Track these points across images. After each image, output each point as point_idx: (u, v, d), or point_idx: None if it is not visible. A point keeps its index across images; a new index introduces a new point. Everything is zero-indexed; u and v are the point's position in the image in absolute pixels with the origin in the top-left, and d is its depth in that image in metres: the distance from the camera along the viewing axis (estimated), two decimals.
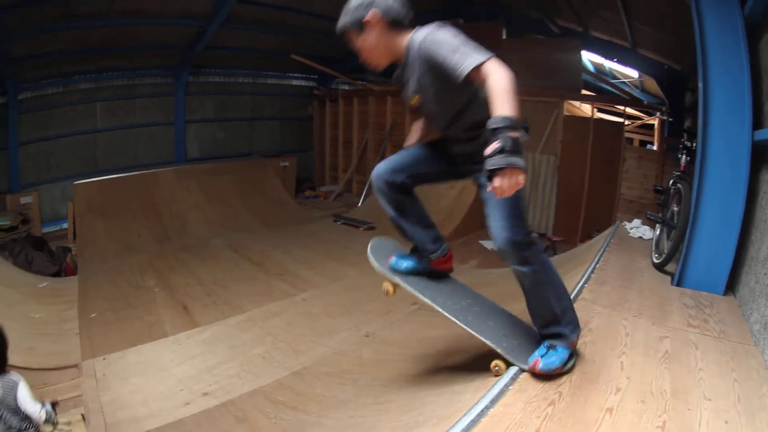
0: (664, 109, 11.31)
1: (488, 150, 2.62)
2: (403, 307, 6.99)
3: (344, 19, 3.28)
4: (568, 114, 11.80)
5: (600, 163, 11.14)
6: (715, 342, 3.80)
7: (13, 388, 3.79)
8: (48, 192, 12.12)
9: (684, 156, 6.55)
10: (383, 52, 3.33)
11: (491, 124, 2.65)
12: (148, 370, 5.59)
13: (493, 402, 2.93)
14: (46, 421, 3.91)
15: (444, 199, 11.28)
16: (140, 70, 13.33)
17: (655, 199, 7.98)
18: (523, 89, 10.02)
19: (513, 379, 3.16)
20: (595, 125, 11.36)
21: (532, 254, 3.15)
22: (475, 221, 11.02)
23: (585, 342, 3.65)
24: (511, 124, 2.65)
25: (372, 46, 3.28)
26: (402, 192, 3.72)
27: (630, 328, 3.97)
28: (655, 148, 11.67)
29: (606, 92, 14.62)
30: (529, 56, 12.01)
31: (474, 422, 2.76)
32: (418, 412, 3.66)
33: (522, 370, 3.26)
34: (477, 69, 2.93)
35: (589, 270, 5.32)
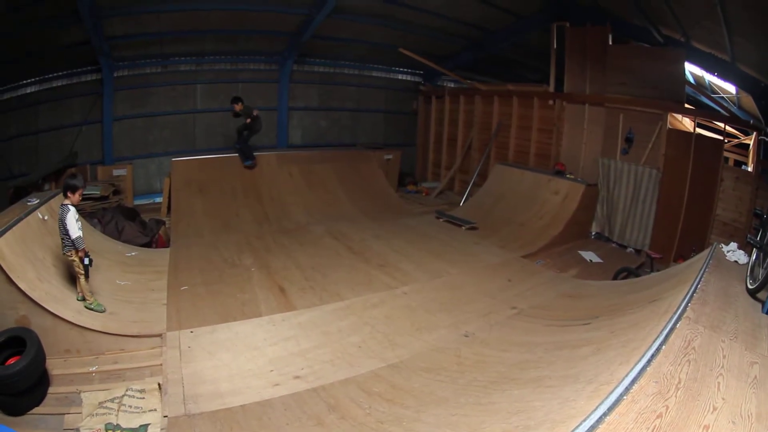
0: (764, 128, 10.59)
1: None
2: (504, 309, 6.78)
3: None
4: (671, 127, 11.21)
5: (698, 181, 10.52)
6: None
7: (64, 212, 5.53)
8: (143, 167, 12.33)
9: None
10: None
11: None
12: (237, 347, 5.48)
13: (610, 410, 3.07)
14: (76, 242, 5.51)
15: (547, 205, 10.98)
16: (244, 55, 13.44)
17: (753, 223, 7.86)
18: (630, 99, 9.55)
19: (627, 389, 3.29)
20: (696, 141, 10.75)
21: None
22: (575, 231, 10.79)
23: (689, 360, 3.77)
24: None
25: None
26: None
27: (726, 350, 4.01)
28: (750, 169, 10.92)
29: (705, 106, 13.98)
30: (633, 64, 11.59)
31: (593, 428, 2.92)
32: (527, 416, 3.70)
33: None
34: None
35: (692, 290, 5.20)
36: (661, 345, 3.89)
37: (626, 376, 3.42)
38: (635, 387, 3.29)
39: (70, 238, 5.47)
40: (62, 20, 9.43)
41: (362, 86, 16.17)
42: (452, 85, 16.86)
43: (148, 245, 8.71)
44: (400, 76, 16.92)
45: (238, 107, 11.36)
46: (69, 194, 5.58)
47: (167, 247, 8.76)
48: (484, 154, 14.27)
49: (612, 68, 11.65)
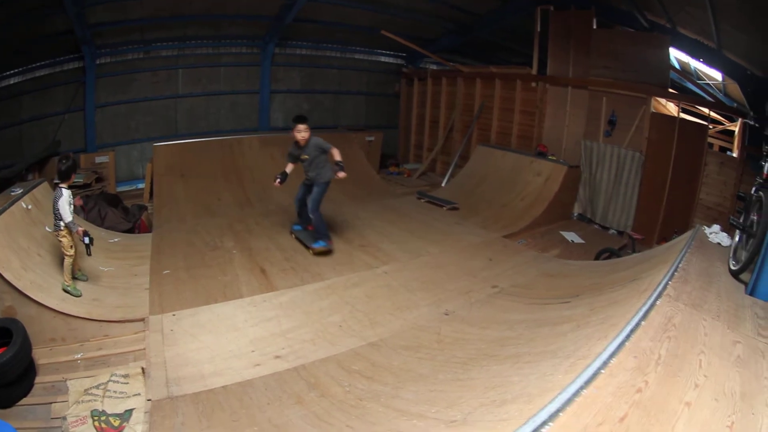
0: (750, 114, 10.67)
1: (339, 166, 7.74)
2: (484, 288, 6.87)
3: None
4: (654, 111, 11.31)
5: (682, 165, 10.67)
6: None
7: (57, 195, 5.63)
8: (125, 153, 12.34)
9: (767, 164, 6.12)
10: None
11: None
12: (218, 329, 5.54)
13: (587, 383, 3.09)
14: (67, 227, 5.64)
15: (529, 186, 11.04)
16: (226, 39, 13.40)
17: (736, 206, 7.95)
18: (613, 82, 9.58)
19: (605, 363, 3.33)
20: (680, 125, 10.89)
21: (317, 212, 7.92)
22: (557, 212, 10.88)
23: (669, 336, 3.83)
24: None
25: None
26: (304, 204, 8.28)
27: (708, 328, 4.07)
28: (734, 155, 11.09)
29: (690, 92, 14.05)
30: (617, 48, 11.66)
31: (569, 401, 2.92)
32: (504, 390, 3.75)
33: None
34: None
35: (673, 268, 5.25)
36: (640, 321, 3.94)
37: (604, 350, 3.46)
38: (613, 361, 3.34)
39: (63, 221, 5.58)
40: (46, 10, 9.36)
41: (344, 69, 16.17)
42: (435, 67, 16.86)
43: (130, 231, 8.72)
44: (382, 59, 16.91)
45: (301, 135, 7.74)
46: (63, 178, 5.68)
47: (150, 232, 8.77)
48: (466, 136, 14.33)
49: (596, 52, 11.74)
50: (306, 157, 7.81)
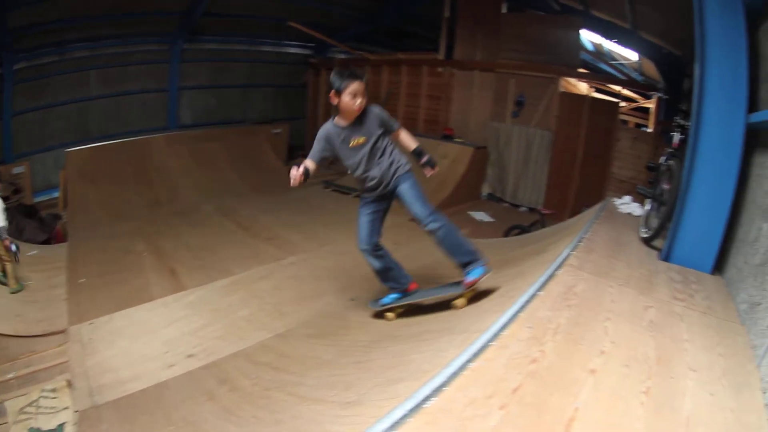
0: (659, 86, 11.23)
1: (425, 158, 5.17)
2: None
3: None
4: (564, 91, 11.80)
5: (593, 141, 11.16)
6: (700, 316, 3.84)
7: None
8: (41, 161, 12.10)
9: (678, 135, 6.48)
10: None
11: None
12: (133, 334, 5.65)
13: (475, 356, 3.01)
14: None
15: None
16: (136, 37, 13.22)
17: (647, 177, 8.14)
18: (521, 64, 9.92)
19: (495, 335, 3.24)
20: (591, 103, 11.40)
21: (438, 215, 4.83)
22: (465, 192, 11.29)
23: (569, 305, 3.73)
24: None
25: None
26: (381, 248, 5.33)
27: (616, 295, 4.02)
28: (650, 130, 11.64)
29: (604, 72, 14.56)
30: (528, 32, 12.04)
31: (455, 374, 2.84)
32: (401, 369, 3.77)
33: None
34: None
35: (577, 239, 5.37)
36: (537, 291, 3.91)
37: (495, 322, 3.42)
38: (505, 333, 3.28)
39: None
40: None
41: (252, 62, 16.22)
42: (342, 56, 16.98)
43: (48, 242, 8.76)
44: (290, 50, 16.97)
45: (357, 103, 4.72)
46: None
47: (65, 241, 8.75)
48: None
49: (505, 36, 12.12)
50: (361, 140, 4.82)
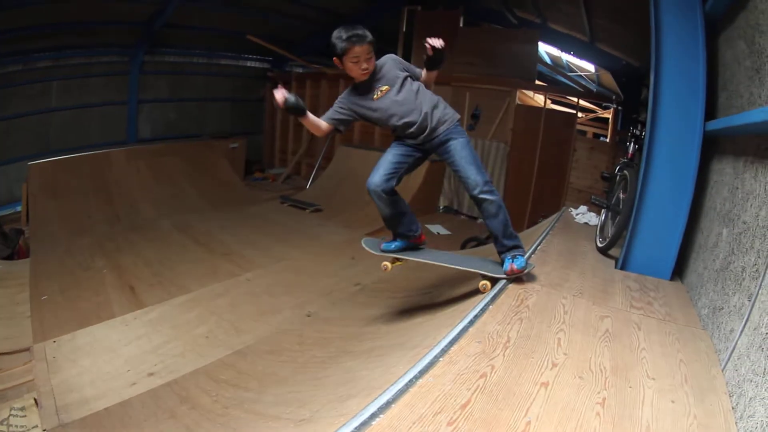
0: (614, 98, 11.54)
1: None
2: (347, 287, 7.31)
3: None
4: (520, 103, 12.08)
5: (550, 152, 11.42)
6: (659, 323, 3.91)
7: None
8: (3, 174, 12.05)
9: (632, 144, 6.76)
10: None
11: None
12: (95, 352, 5.75)
13: (423, 372, 2.98)
14: None
15: None
16: (98, 48, 13.23)
17: (603, 187, 8.23)
18: (476, 77, 10.14)
19: (444, 351, 3.23)
20: (547, 115, 11.63)
21: (494, 188, 4.34)
22: (421, 205, 11.40)
23: (521, 318, 3.74)
24: None
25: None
26: (395, 193, 4.58)
27: (569, 306, 4.06)
28: (607, 140, 11.99)
29: (561, 84, 14.89)
30: (484, 45, 12.34)
31: (402, 391, 2.79)
32: (352, 385, 3.82)
33: (500, 279, 4.30)
34: None
35: (530, 251, 5.43)
36: (487, 305, 3.90)
37: (444, 337, 3.39)
38: (454, 348, 3.25)
39: None
40: None
41: (211, 75, 16.30)
42: (300, 70, 17.20)
43: (10, 257, 8.82)
44: (248, 63, 17.12)
45: (362, 67, 4.37)
46: None
47: (28, 257, 8.81)
48: (329, 138, 14.64)
49: (461, 50, 12.36)
50: (384, 89, 4.38)
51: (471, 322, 3.64)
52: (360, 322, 5.93)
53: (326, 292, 7.15)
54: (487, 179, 4.30)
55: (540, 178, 11.61)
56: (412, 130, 4.38)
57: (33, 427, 4.67)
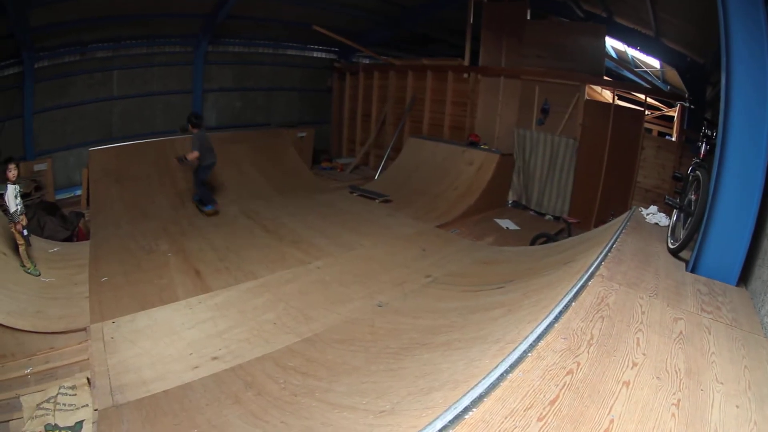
0: (687, 96, 11.07)
1: None
2: (418, 278, 7.01)
3: None
4: (588, 98, 11.65)
5: (618, 149, 11.03)
6: (727, 329, 3.86)
7: (3, 189, 6.29)
8: (62, 159, 12.06)
9: (704, 145, 6.44)
10: None
11: None
12: (157, 334, 5.56)
13: (513, 367, 2.97)
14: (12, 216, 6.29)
15: (462, 175, 11.30)
16: (159, 38, 13.23)
17: (674, 187, 8.03)
18: (545, 71, 9.80)
19: (531, 346, 3.22)
20: (616, 111, 11.23)
21: None
22: (491, 200, 11.16)
23: (602, 316, 3.76)
24: None
25: None
26: None
27: (646, 307, 4.04)
28: (673, 139, 11.47)
29: (627, 80, 14.42)
30: (551, 39, 11.98)
31: (493, 386, 2.79)
32: (433, 378, 3.74)
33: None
34: None
35: (606, 249, 5.35)
36: (570, 302, 3.93)
37: (531, 333, 3.41)
38: (541, 344, 3.27)
39: (8, 212, 6.18)
40: None
41: (277, 65, 16.19)
42: (367, 61, 17.02)
43: (69, 239, 8.69)
44: (314, 54, 16.98)
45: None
46: (7, 174, 6.31)
47: (88, 239, 8.67)
48: (398, 129, 14.55)
49: (529, 42, 12.01)
50: None
51: (556, 318, 3.66)
52: (433, 314, 5.75)
53: (397, 282, 6.86)
54: None
55: (608, 176, 11.15)
56: None
57: (83, 406, 4.51)
